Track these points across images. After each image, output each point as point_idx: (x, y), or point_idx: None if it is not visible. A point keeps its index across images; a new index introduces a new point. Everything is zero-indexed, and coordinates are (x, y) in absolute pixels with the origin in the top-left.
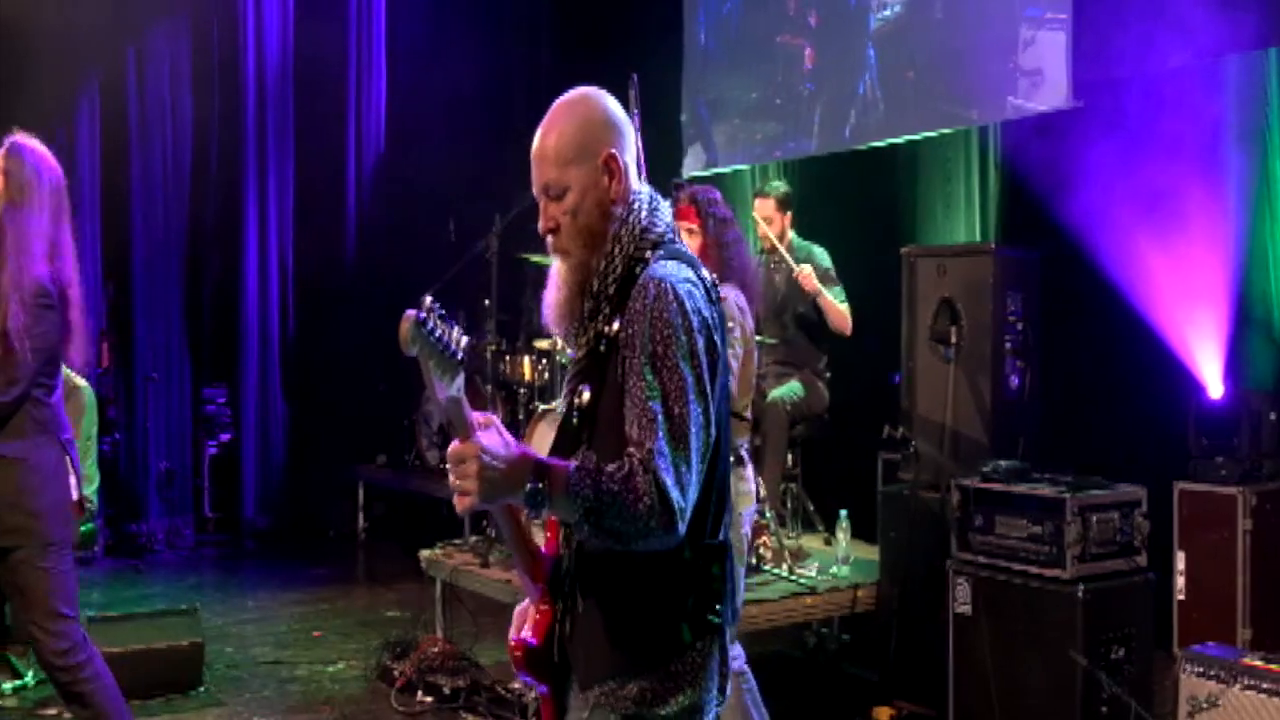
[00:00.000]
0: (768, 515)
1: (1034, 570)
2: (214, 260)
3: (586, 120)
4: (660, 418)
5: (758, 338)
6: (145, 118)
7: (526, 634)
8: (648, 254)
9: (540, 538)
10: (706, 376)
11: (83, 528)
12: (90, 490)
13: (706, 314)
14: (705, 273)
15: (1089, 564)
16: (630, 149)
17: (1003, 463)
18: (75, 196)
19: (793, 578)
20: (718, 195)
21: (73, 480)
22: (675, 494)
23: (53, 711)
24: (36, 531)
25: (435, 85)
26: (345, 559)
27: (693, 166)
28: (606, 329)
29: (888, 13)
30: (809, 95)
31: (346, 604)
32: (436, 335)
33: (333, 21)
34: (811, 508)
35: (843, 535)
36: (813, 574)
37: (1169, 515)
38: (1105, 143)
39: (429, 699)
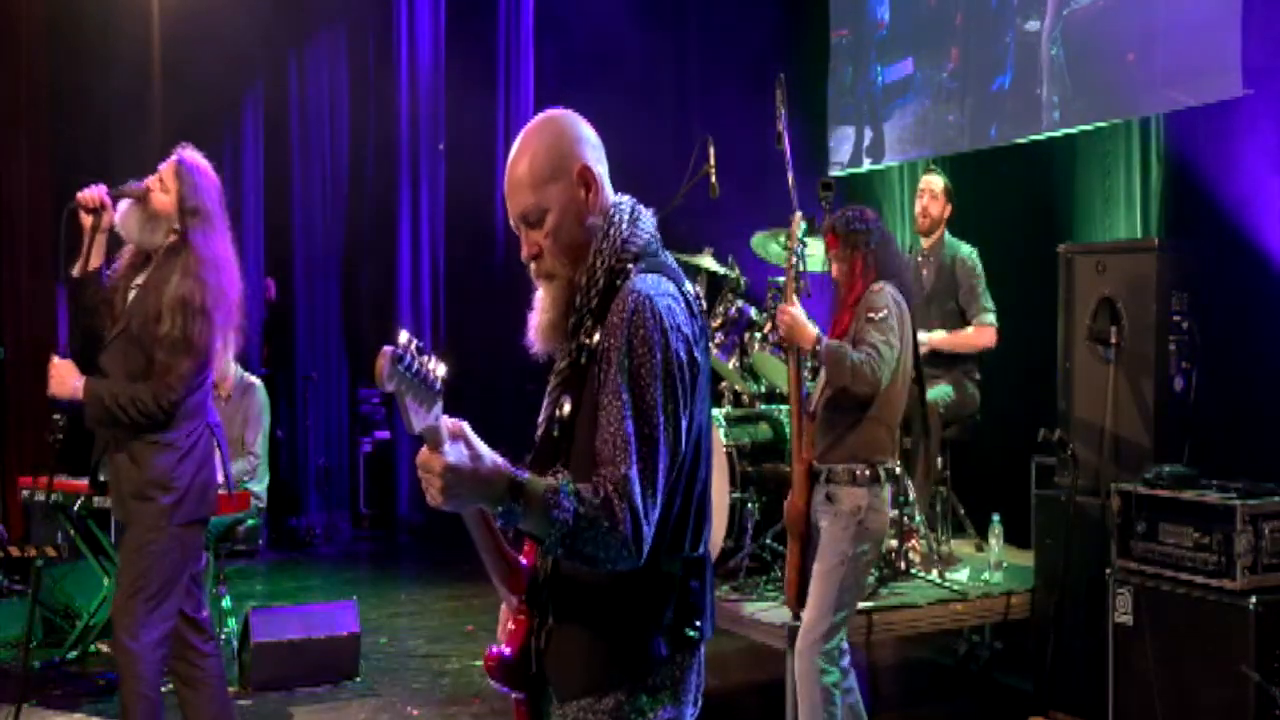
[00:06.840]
0: (917, 519)
1: (1201, 580)
2: (369, 263)
3: (556, 138)
4: (634, 440)
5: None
6: (306, 124)
7: (501, 645)
8: (629, 266)
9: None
10: (680, 395)
11: (249, 522)
12: (260, 487)
13: (686, 330)
14: (688, 286)
15: (1261, 575)
16: (604, 162)
17: (1167, 468)
18: (240, 201)
19: (943, 583)
20: (855, 213)
21: (218, 463)
22: (644, 521)
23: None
24: (159, 512)
25: (582, 90)
26: None
27: (841, 164)
28: (588, 340)
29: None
30: (957, 90)
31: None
32: (414, 370)
33: (483, 27)
34: (962, 512)
35: (995, 540)
36: (964, 579)
37: None
38: (1278, 132)
39: None
